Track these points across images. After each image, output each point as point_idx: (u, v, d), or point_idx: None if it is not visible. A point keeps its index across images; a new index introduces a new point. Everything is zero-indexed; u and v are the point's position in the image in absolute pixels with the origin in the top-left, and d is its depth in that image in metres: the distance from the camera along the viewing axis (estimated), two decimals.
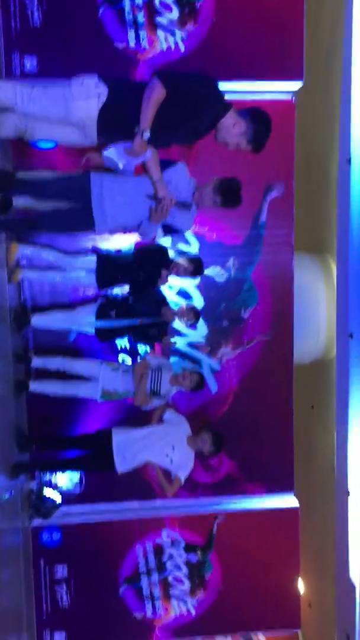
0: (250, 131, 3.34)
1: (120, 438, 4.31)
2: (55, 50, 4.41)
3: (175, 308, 4.63)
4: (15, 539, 4.46)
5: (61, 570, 4.98)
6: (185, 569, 5.08)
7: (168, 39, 4.50)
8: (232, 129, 3.33)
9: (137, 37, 4.48)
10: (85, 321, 4.48)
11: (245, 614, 5.23)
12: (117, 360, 4.83)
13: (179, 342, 4.93)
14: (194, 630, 5.16)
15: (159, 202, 3.56)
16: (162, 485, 4.33)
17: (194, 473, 4.84)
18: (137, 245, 4.61)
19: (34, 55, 4.40)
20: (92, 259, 4.44)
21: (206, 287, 4.89)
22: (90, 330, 4.50)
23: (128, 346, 4.81)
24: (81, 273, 4.43)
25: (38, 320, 4.49)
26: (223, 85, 4.49)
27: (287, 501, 5.22)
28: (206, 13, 4.49)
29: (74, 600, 5.00)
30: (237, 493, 5.16)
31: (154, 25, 4.47)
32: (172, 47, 4.50)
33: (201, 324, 4.90)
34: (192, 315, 4.50)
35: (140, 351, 4.87)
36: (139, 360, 4.69)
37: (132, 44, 4.49)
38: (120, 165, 3.53)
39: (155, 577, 5.07)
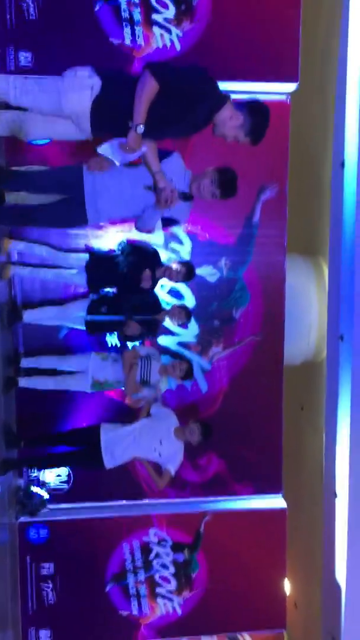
0: (248, 123, 3.29)
1: (109, 434, 4.31)
2: (50, 45, 4.38)
3: (166, 307, 4.62)
4: (1, 536, 4.45)
5: (47, 567, 4.97)
6: (172, 568, 5.08)
7: (164, 37, 4.48)
8: (229, 121, 3.28)
9: (133, 34, 4.46)
10: (76, 316, 4.46)
11: (231, 614, 5.24)
12: (107, 350, 4.81)
13: (170, 341, 4.92)
14: (180, 630, 5.16)
15: (159, 193, 3.53)
16: (153, 479, 4.35)
17: (182, 472, 4.85)
18: (129, 241, 4.59)
19: (28, 50, 4.38)
20: (85, 257, 4.44)
21: (198, 286, 4.88)
22: (81, 326, 4.49)
23: (118, 344, 4.79)
24: (73, 272, 4.42)
25: (29, 315, 4.47)
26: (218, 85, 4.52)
27: (275, 502, 5.22)
28: (202, 12, 4.48)
29: (59, 598, 4.99)
30: (226, 493, 5.17)
31: (150, 23, 4.45)
32: (168, 45, 4.49)
33: (192, 323, 4.89)
34: (184, 314, 4.49)
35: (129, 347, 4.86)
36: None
37: (127, 40, 4.47)
38: (117, 163, 3.49)
39: (141, 575, 5.06)
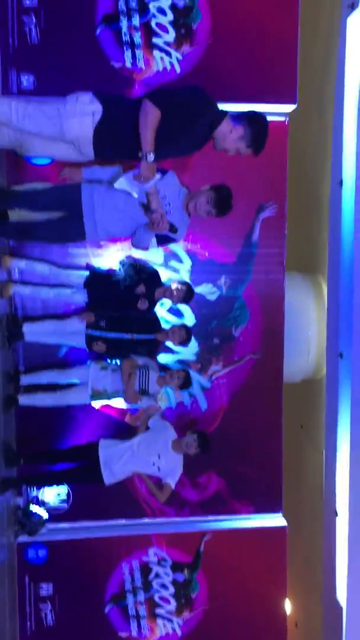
0: (248, 134, 3.32)
1: (107, 450, 4.31)
2: (52, 68, 4.45)
3: (166, 325, 4.64)
4: (0, 555, 4.42)
5: (46, 588, 4.92)
6: (171, 588, 5.04)
7: (164, 60, 4.55)
8: (230, 134, 3.32)
9: (134, 57, 4.53)
10: (75, 332, 4.47)
11: (232, 634, 5.18)
12: (106, 360, 4.81)
13: (170, 359, 4.93)
14: None
15: (150, 215, 3.59)
16: (154, 493, 4.34)
17: (182, 491, 4.84)
18: (130, 258, 4.62)
19: (30, 73, 4.44)
20: (86, 275, 4.47)
21: (198, 304, 4.90)
22: (80, 344, 4.50)
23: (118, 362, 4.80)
24: (75, 295, 4.45)
25: (29, 328, 4.48)
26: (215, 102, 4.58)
27: (275, 520, 5.20)
28: (202, 35, 4.55)
29: (58, 618, 4.94)
30: (225, 511, 5.14)
31: (150, 46, 4.53)
32: (168, 67, 4.56)
33: (192, 341, 4.90)
34: (184, 333, 4.50)
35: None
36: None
37: (128, 64, 4.54)
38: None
39: (141, 596, 5.02)
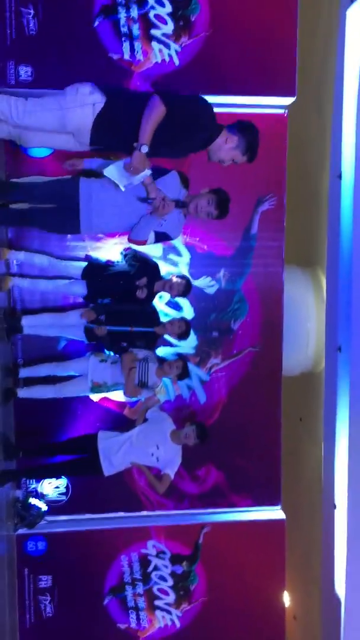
0: (243, 143, 3.42)
1: (106, 442, 4.33)
2: (50, 59, 4.42)
3: (165, 319, 4.64)
4: None
5: (45, 580, 4.94)
6: (170, 580, 5.06)
7: (162, 52, 4.53)
8: (225, 145, 3.41)
9: (132, 48, 4.51)
10: (73, 324, 4.47)
11: (230, 626, 5.20)
12: (104, 352, 4.80)
13: (169, 352, 4.93)
14: None
15: (152, 204, 3.60)
16: (153, 484, 4.35)
17: (181, 484, 4.85)
18: (128, 249, 4.62)
19: (28, 64, 4.42)
20: (84, 266, 4.47)
21: (196, 298, 4.90)
22: (79, 337, 4.50)
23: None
24: (74, 287, 4.45)
25: (28, 322, 4.48)
26: (216, 99, 4.57)
27: (274, 513, 5.21)
28: (200, 27, 4.53)
29: (57, 610, 4.96)
30: (224, 504, 5.15)
31: (148, 38, 4.50)
32: (167, 59, 4.53)
33: (191, 334, 4.90)
34: (183, 325, 4.49)
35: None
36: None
37: (126, 55, 4.51)
38: (122, 187, 3.55)
39: (140, 588, 5.04)
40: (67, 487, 4.93)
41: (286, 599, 5.39)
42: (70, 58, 4.45)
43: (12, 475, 4.55)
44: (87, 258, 4.67)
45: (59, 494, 4.93)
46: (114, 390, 4.53)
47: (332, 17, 4.73)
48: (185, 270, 4.83)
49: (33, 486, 4.87)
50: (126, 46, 4.50)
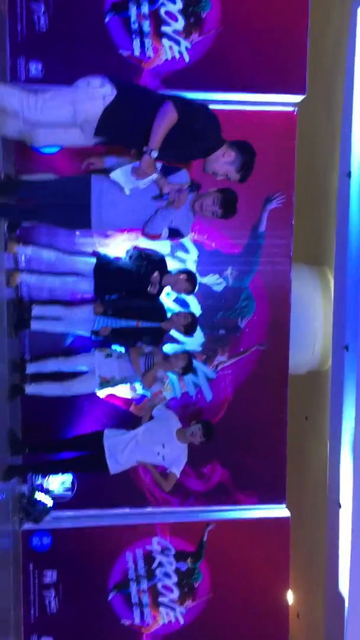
0: (239, 161, 3.48)
1: (112, 440, 4.32)
2: (60, 56, 4.44)
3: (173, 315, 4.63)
4: (5, 543, 4.45)
5: (50, 575, 4.96)
6: (174, 577, 5.07)
7: (173, 49, 4.53)
8: (222, 158, 3.47)
9: (142, 45, 4.51)
10: (81, 319, 4.48)
11: (234, 624, 5.21)
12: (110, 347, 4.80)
13: (175, 349, 4.93)
14: (182, 639, 5.14)
15: (167, 196, 3.62)
16: (159, 482, 4.36)
17: (186, 481, 4.85)
18: (137, 248, 4.62)
19: (39, 61, 4.43)
20: (93, 262, 4.47)
21: (204, 295, 4.90)
22: (86, 332, 4.51)
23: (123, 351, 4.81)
24: (81, 283, 4.46)
25: (38, 311, 4.49)
26: (226, 96, 4.58)
27: (279, 511, 5.21)
28: (211, 24, 4.53)
29: (62, 605, 4.98)
30: (229, 502, 5.15)
31: (159, 35, 4.50)
32: (177, 56, 4.53)
33: (198, 331, 4.90)
34: (190, 317, 4.49)
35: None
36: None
37: (137, 52, 4.52)
38: (127, 191, 3.56)
39: (144, 584, 5.05)
40: (72, 483, 4.94)
41: (290, 597, 5.39)
42: (81, 55, 4.45)
43: (18, 471, 4.56)
44: (95, 254, 4.67)
45: (65, 489, 4.94)
46: (122, 384, 4.52)
47: (343, 15, 4.72)
48: (193, 268, 4.82)
49: (39, 481, 4.88)
50: (136, 43, 4.50)
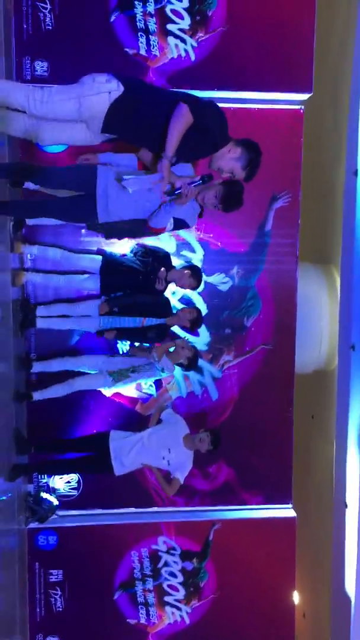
0: (245, 157, 3.42)
1: (118, 442, 4.31)
2: (66, 54, 4.44)
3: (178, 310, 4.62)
4: (10, 542, 4.45)
5: (56, 574, 4.96)
6: (180, 577, 5.06)
7: (179, 47, 4.52)
8: (228, 154, 3.42)
9: (148, 43, 4.50)
10: (87, 314, 4.48)
11: (240, 623, 5.20)
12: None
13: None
14: (188, 639, 5.13)
15: (179, 193, 3.61)
16: (162, 486, 4.34)
17: (192, 480, 4.84)
18: (139, 245, 4.61)
19: (45, 60, 4.43)
20: (98, 259, 4.46)
21: (209, 294, 4.89)
22: (93, 326, 4.51)
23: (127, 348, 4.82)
24: (87, 282, 4.45)
25: (42, 312, 4.50)
26: (232, 94, 4.56)
27: (285, 511, 5.20)
28: (217, 22, 4.52)
29: (68, 605, 4.99)
30: (235, 502, 5.15)
31: (165, 33, 4.50)
32: (183, 55, 4.52)
33: (204, 331, 4.90)
34: (195, 313, 4.48)
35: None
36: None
37: (142, 50, 4.51)
38: (130, 190, 3.55)
39: (150, 583, 5.05)
40: (78, 482, 4.95)
41: (296, 597, 5.38)
42: (86, 53, 4.46)
43: (23, 470, 4.55)
44: (100, 252, 4.66)
45: (71, 488, 4.95)
46: (130, 375, 4.50)
47: (350, 12, 4.69)
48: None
49: (44, 480, 4.89)
50: (142, 41, 4.50)
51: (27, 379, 4.64)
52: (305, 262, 5.31)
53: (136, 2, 4.46)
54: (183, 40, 4.52)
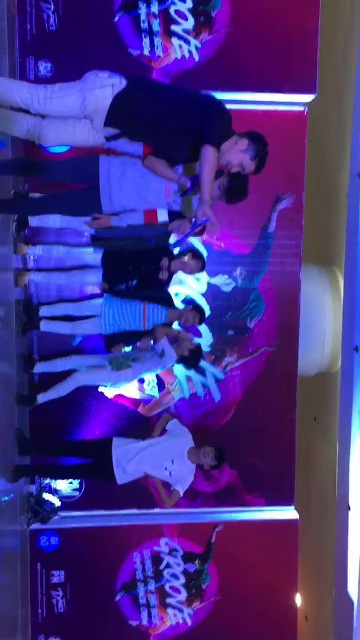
0: (252, 148, 3.41)
1: (121, 449, 4.28)
2: (69, 55, 4.43)
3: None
4: (12, 542, 4.45)
5: (58, 575, 4.96)
6: (182, 578, 5.05)
7: (182, 48, 4.51)
8: (235, 146, 3.40)
9: (152, 44, 4.50)
10: (90, 313, 4.48)
11: (241, 625, 5.19)
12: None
13: None
14: None
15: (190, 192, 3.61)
16: (161, 497, 4.30)
17: (194, 482, 4.82)
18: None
19: (48, 60, 4.42)
20: (100, 252, 4.45)
21: (212, 295, 4.88)
22: (97, 328, 4.50)
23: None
24: (89, 275, 4.44)
25: (45, 311, 4.49)
26: (236, 96, 4.55)
27: (287, 513, 5.19)
28: (221, 23, 4.51)
29: (69, 606, 4.98)
30: (237, 503, 5.14)
31: (168, 34, 4.49)
32: (186, 56, 4.52)
33: (207, 332, 4.90)
34: (196, 315, 4.46)
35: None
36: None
37: (146, 51, 4.51)
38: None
39: (152, 585, 5.04)
40: (80, 484, 4.94)
41: (298, 599, 5.37)
42: (90, 54, 4.45)
43: (25, 471, 4.55)
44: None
45: (73, 489, 4.94)
46: (132, 365, 4.45)
47: (354, 14, 4.69)
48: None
49: (47, 482, 4.88)
50: (146, 42, 4.49)
51: (30, 380, 4.62)
52: (309, 264, 5.30)
53: (140, 3, 4.46)
54: (187, 41, 4.52)
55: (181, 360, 4.42)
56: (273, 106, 4.69)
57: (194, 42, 4.52)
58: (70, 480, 4.92)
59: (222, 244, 4.85)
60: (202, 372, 4.95)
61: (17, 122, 3.58)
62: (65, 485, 4.93)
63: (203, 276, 4.83)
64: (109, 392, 4.73)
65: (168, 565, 5.04)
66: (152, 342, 4.39)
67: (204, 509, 5.10)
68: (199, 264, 4.35)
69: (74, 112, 3.38)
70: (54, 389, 4.45)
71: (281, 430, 5.12)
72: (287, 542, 5.17)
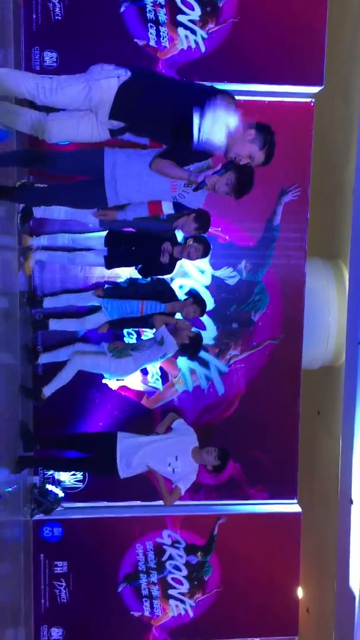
0: (260, 138, 3.32)
1: (125, 444, 4.28)
2: (75, 45, 4.41)
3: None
4: (16, 533, 4.46)
5: (61, 566, 4.98)
6: (184, 570, 5.07)
7: (189, 38, 4.49)
8: (242, 138, 3.31)
9: (158, 35, 4.47)
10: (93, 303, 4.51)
11: (243, 618, 5.21)
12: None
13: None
14: (191, 632, 5.14)
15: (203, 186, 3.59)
16: (162, 494, 4.30)
17: (197, 474, 4.83)
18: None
19: (54, 50, 4.40)
20: (103, 234, 4.45)
21: (217, 288, 4.87)
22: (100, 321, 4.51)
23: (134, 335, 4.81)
24: (92, 257, 4.44)
25: (49, 303, 4.54)
26: (242, 87, 4.52)
27: (290, 506, 5.19)
28: (228, 14, 4.47)
29: (72, 596, 5.01)
30: (240, 496, 5.14)
31: (175, 24, 4.46)
32: (193, 46, 4.49)
33: (211, 325, 4.89)
34: (197, 308, 4.45)
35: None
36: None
37: (152, 41, 4.48)
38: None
39: (154, 576, 5.06)
40: (84, 475, 4.95)
41: (300, 591, 5.38)
42: (96, 44, 4.43)
43: (29, 463, 4.56)
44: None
45: (76, 481, 4.96)
46: (132, 354, 4.45)
47: None
48: (206, 261, 4.79)
49: (50, 473, 4.89)
50: (152, 32, 4.46)
51: (34, 371, 4.63)
52: (314, 257, 5.28)
53: None
54: (193, 32, 4.49)
55: (182, 348, 4.41)
56: (280, 97, 4.66)
57: (201, 32, 4.49)
58: (74, 472, 4.93)
59: (227, 237, 4.83)
60: (205, 364, 4.95)
61: (21, 116, 3.56)
62: (68, 477, 4.94)
63: (207, 268, 4.82)
64: (113, 383, 4.73)
65: (170, 557, 5.05)
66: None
67: (207, 502, 5.11)
68: (201, 248, 4.29)
69: (79, 103, 3.35)
70: (57, 378, 4.46)
71: (284, 424, 5.12)
72: (289, 535, 5.18)
